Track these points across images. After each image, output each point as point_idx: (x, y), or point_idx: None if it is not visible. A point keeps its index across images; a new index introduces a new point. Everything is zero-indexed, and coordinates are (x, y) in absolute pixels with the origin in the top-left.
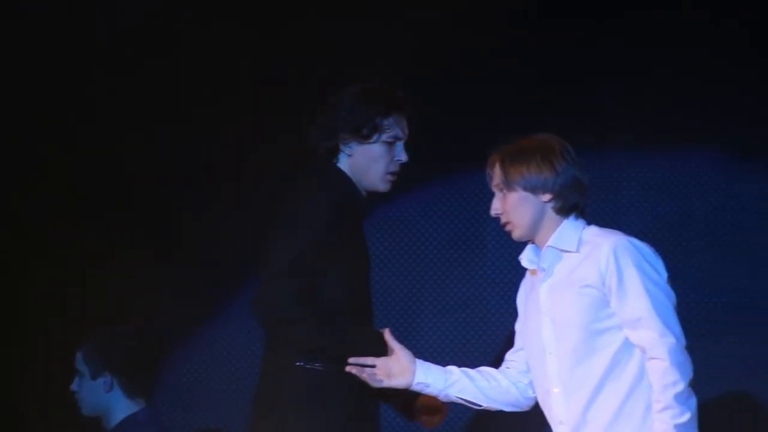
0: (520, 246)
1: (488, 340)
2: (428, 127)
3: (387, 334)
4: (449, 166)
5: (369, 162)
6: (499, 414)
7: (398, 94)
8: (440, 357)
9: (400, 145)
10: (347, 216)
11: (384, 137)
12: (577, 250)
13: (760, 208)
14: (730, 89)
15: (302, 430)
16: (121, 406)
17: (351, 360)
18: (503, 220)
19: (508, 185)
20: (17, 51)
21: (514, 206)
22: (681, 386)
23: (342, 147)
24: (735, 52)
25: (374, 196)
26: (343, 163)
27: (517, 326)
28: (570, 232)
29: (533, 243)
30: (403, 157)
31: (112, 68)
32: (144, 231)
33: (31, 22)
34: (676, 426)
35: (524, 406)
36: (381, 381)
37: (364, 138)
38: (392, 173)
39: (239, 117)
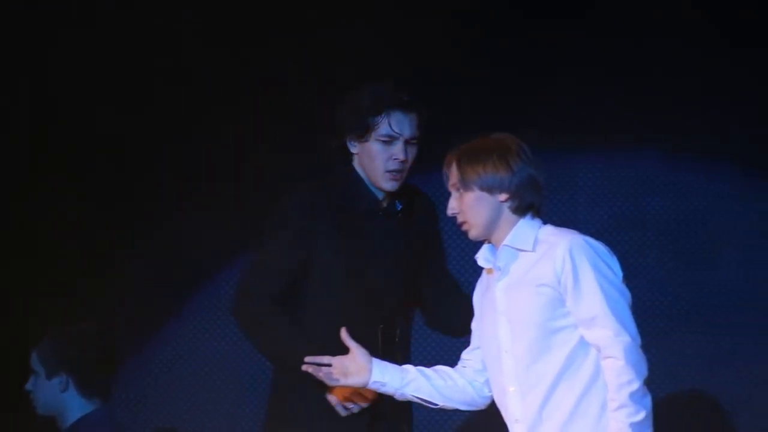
0: (476, 245)
1: (443, 339)
2: None
3: (343, 334)
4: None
5: (369, 161)
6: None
7: (394, 93)
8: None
9: (397, 143)
10: (333, 216)
11: (376, 135)
12: (533, 250)
13: (713, 206)
14: (681, 89)
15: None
16: (77, 406)
17: (307, 359)
18: (460, 219)
19: (464, 185)
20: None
21: (470, 206)
22: (636, 385)
23: (350, 146)
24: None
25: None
26: (356, 163)
27: (473, 325)
28: (526, 231)
29: (489, 242)
30: (400, 155)
31: (106, 69)
32: (101, 229)
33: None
34: (631, 425)
35: (480, 404)
36: (337, 380)
37: (358, 137)
38: (392, 171)
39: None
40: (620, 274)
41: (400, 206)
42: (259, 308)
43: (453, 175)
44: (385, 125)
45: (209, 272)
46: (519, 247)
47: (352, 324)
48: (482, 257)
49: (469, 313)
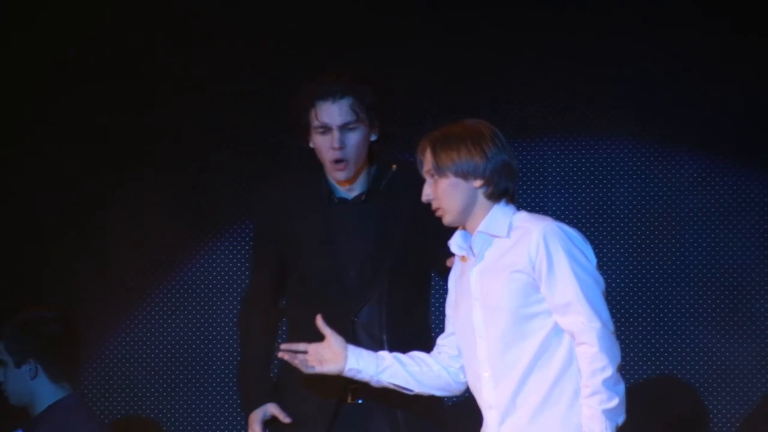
0: (451, 231)
1: None
2: None
3: (319, 321)
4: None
5: (317, 154)
6: None
7: (320, 84)
8: None
9: (332, 133)
10: (297, 213)
11: (312, 128)
12: (508, 236)
13: (679, 192)
14: (647, 75)
15: None
16: (47, 393)
17: (283, 346)
18: (434, 205)
19: (439, 171)
20: None
21: (445, 192)
22: (609, 371)
23: (310, 143)
24: (649, 35)
25: None
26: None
27: (448, 311)
28: (500, 217)
29: (463, 229)
30: (335, 144)
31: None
32: (66, 215)
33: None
34: (604, 411)
35: (455, 390)
36: (313, 367)
37: (305, 133)
38: (335, 161)
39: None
40: (594, 260)
41: (364, 194)
42: (245, 326)
43: (427, 161)
44: (314, 117)
45: (180, 258)
46: (493, 233)
47: (323, 314)
48: (455, 244)
49: None
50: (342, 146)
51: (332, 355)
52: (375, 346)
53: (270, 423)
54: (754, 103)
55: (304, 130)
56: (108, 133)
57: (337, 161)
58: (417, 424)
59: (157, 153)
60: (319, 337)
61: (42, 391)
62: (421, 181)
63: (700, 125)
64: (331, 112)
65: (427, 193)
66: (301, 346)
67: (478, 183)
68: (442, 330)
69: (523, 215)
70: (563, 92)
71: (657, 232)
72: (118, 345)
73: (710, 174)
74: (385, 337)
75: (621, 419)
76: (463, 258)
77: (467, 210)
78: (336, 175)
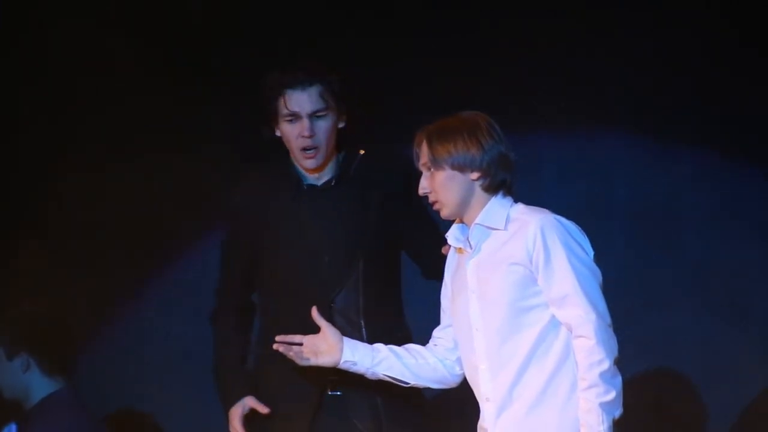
0: (444, 223)
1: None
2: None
3: (314, 313)
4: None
5: (286, 142)
6: None
7: (288, 72)
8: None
9: (301, 120)
10: (267, 204)
11: (281, 117)
12: (505, 228)
13: (677, 187)
14: (645, 70)
15: None
16: (41, 385)
17: (278, 338)
18: (431, 198)
19: (435, 164)
20: None
21: (442, 185)
22: (606, 365)
23: (277, 132)
24: (652, 34)
25: None
26: None
27: (444, 303)
28: (497, 209)
29: (461, 221)
30: (305, 132)
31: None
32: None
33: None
34: (601, 404)
35: (451, 383)
36: (308, 359)
37: (273, 122)
38: (305, 149)
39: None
40: (591, 253)
41: (333, 180)
42: (219, 322)
43: (423, 154)
44: (283, 106)
45: (172, 253)
46: (491, 226)
47: (300, 304)
48: (452, 236)
49: None
50: (312, 134)
51: (328, 347)
52: (353, 331)
53: (252, 419)
54: (753, 100)
55: (271, 119)
56: (96, 128)
57: (307, 149)
58: (397, 412)
59: (152, 146)
60: (294, 327)
61: (35, 384)
62: (389, 165)
63: (698, 121)
64: (301, 100)
65: (424, 186)
66: (296, 338)
67: (475, 175)
68: (415, 313)
69: (521, 207)
70: (561, 85)
71: (654, 227)
72: (111, 339)
73: (709, 169)
74: (362, 321)
75: (618, 412)
76: (459, 250)
77: (464, 202)
78: (305, 164)
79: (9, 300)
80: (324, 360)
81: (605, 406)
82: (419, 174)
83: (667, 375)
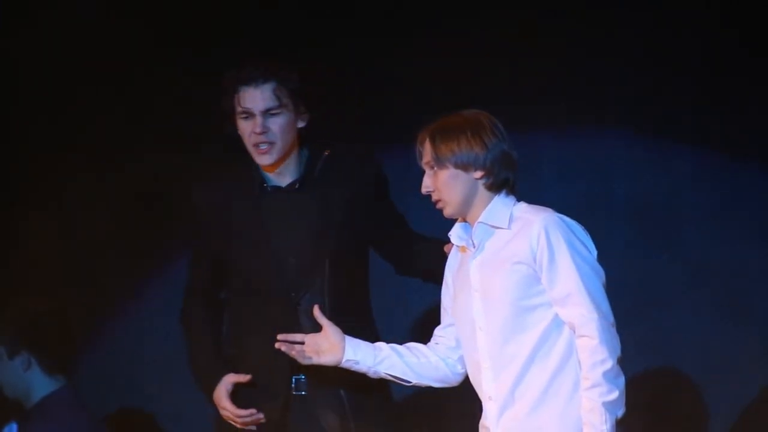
0: (442, 221)
1: (411, 315)
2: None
3: (316, 311)
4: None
5: (243, 140)
6: None
7: (242, 69)
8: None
9: (255, 118)
10: (228, 202)
11: (237, 114)
12: (509, 227)
13: (677, 185)
14: (645, 68)
15: None
16: (41, 385)
17: (280, 336)
18: (434, 197)
19: (439, 162)
20: None
21: (445, 183)
22: (609, 364)
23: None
24: (652, 34)
25: None
26: None
27: (445, 302)
28: (501, 208)
29: (463, 220)
30: (256, 128)
31: None
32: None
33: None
34: (604, 404)
35: (453, 381)
36: (310, 358)
37: (231, 120)
38: (257, 145)
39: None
40: (595, 252)
41: (297, 181)
42: (189, 318)
43: (426, 152)
44: (237, 103)
45: (172, 253)
46: (494, 225)
47: (266, 305)
48: (455, 235)
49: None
50: (264, 131)
51: (329, 346)
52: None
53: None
54: (753, 99)
55: (229, 117)
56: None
57: (259, 146)
58: (363, 409)
59: (152, 147)
60: (260, 328)
61: (35, 383)
62: (355, 165)
63: (698, 120)
64: (254, 97)
65: (427, 185)
66: (298, 337)
67: (478, 174)
68: (383, 311)
69: (524, 206)
70: (561, 85)
71: (654, 227)
72: (111, 339)
73: (708, 168)
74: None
75: (620, 412)
76: (462, 249)
77: (468, 201)
78: (259, 159)
79: (10, 299)
80: (326, 359)
81: (608, 406)
82: (382, 173)
83: (667, 374)
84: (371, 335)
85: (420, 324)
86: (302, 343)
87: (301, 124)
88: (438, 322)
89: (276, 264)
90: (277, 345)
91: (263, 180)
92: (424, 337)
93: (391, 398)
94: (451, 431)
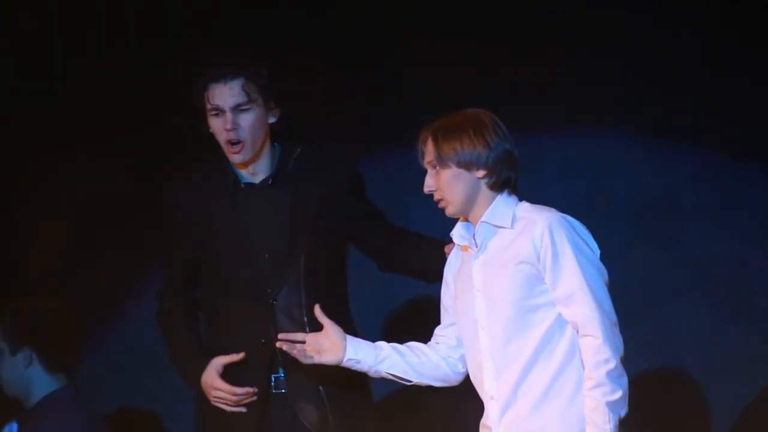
0: (443, 220)
1: (411, 314)
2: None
3: (317, 310)
4: (372, 142)
5: (216, 137)
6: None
7: (211, 67)
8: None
9: (225, 115)
10: (202, 201)
11: (208, 112)
12: (512, 226)
13: (677, 185)
14: (645, 68)
15: None
16: (41, 383)
17: (281, 336)
18: (437, 197)
19: (441, 162)
20: None
21: (447, 183)
22: (613, 363)
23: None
24: (652, 34)
25: None
26: None
27: (446, 302)
28: (503, 207)
29: (465, 220)
30: (227, 125)
31: None
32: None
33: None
34: (608, 403)
35: (454, 381)
36: (311, 357)
37: (204, 117)
38: (229, 142)
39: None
40: (598, 251)
41: (270, 178)
42: (168, 316)
43: (429, 152)
44: (207, 100)
45: None
46: (497, 224)
47: (242, 302)
48: (458, 234)
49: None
50: (234, 127)
51: (331, 345)
52: (296, 328)
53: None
54: (753, 99)
55: (201, 115)
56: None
57: (232, 143)
58: (343, 406)
59: (152, 146)
60: (237, 325)
61: (36, 381)
62: (327, 159)
63: (698, 120)
64: (223, 94)
65: (429, 184)
66: (299, 336)
67: (481, 173)
68: (361, 307)
69: (526, 206)
70: (561, 85)
71: (655, 226)
72: (112, 338)
73: (709, 168)
74: (305, 318)
75: (623, 412)
76: (464, 248)
77: (470, 201)
78: (232, 158)
79: (12, 297)
80: (327, 358)
81: (611, 405)
82: (356, 169)
83: (667, 374)
84: (349, 331)
85: (403, 323)
86: (303, 342)
87: (272, 120)
88: (423, 321)
89: (252, 261)
90: (278, 344)
91: (237, 177)
92: (407, 336)
93: (370, 395)
94: (432, 427)
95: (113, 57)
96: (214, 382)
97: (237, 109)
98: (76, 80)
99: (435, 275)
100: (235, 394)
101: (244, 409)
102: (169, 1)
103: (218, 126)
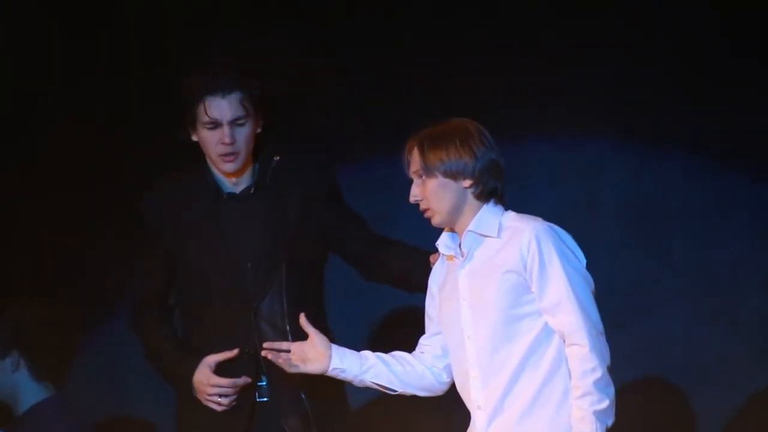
0: (432, 228)
1: (395, 324)
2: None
3: (302, 319)
4: (359, 149)
5: (204, 148)
6: None
7: (207, 78)
8: (347, 340)
9: (221, 128)
10: (184, 209)
11: (200, 123)
12: (498, 236)
13: (665, 190)
14: (631, 73)
15: None
16: (30, 390)
17: (266, 345)
18: (423, 206)
19: (427, 171)
20: None
21: (434, 192)
22: (600, 372)
23: (192, 136)
24: (644, 39)
25: None
26: None
27: (430, 312)
28: (490, 217)
29: (450, 229)
30: (225, 139)
31: None
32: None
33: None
34: (595, 413)
35: (438, 390)
36: (297, 366)
37: (191, 127)
38: (224, 155)
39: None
40: (584, 260)
41: (251, 187)
42: (144, 322)
43: (414, 161)
44: (203, 113)
45: None
46: (484, 233)
47: (224, 311)
48: (443, 244)
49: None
50: (233, 141)
51: (316, 354)
52: (278, 336)
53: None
54: (742, 102)
55: (189, 124)
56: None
57: (227, 155)
58: (325, 414)
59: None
60: (219, 335)
61: (23, 386)
62: (305, 168)
63: (689, 124)
64: (221, 108)
65: (415, 194)
66: (284, 345)
67: (467, 183)
68: (345, 317)
69: (512, 215)
70: (552, 90)
71: (645, 231)
72: (102, 346)
73: (699, 173)
74: (288, 327)
75: (610, 421)
76: (450, 258)
77: (456, 210)
78: (224, 167)
79: (4, 300)
80: (312, 367)
81: (599, 415)
82: (334, 176)
83: (657, 380)
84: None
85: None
86: (288, 351)
87: (258, 130)
88: (407, 331)
89: (235, 270)
90: (263, 353)
91: (219, 187)
92: (391, 345)
93: (347, 402)
94: None
95: (115, 58)
96: (211, 379)
97: (235, 122)
98: (76, 78)
99: (417, 284)
100: (236, 386)
101: (235, 407)
102: (164, 7)
103: (213, 138)
